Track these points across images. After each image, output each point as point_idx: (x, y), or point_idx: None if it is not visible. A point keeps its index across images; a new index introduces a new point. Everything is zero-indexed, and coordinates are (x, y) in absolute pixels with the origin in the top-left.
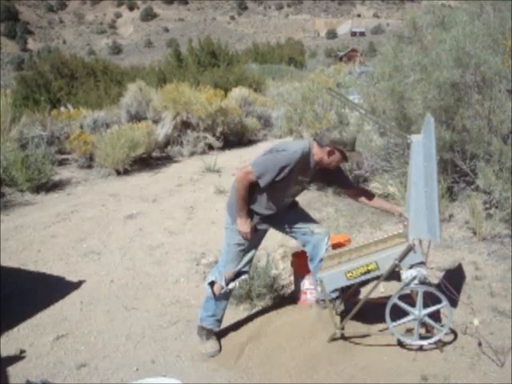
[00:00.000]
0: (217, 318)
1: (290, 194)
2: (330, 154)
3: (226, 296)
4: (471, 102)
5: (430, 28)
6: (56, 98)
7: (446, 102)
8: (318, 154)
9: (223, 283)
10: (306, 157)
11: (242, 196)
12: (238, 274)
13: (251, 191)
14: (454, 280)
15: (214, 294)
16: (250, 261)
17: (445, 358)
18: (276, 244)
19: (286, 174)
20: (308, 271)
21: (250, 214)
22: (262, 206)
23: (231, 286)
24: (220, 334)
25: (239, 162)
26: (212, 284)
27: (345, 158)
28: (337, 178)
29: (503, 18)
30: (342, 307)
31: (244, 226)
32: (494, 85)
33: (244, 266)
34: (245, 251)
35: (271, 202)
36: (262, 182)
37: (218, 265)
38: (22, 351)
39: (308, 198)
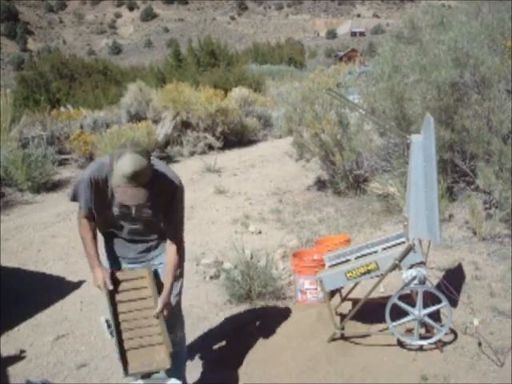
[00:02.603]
0: None
1: None
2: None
3: None
4: (470, 102)
5: (428, 28)
6: (56, 98)
7: (445, 102)
8: None
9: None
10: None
11: None
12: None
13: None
14: (453, 280)
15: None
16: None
17: (445, 358)
18: (276, 244)
19: None
20: (308, 271)
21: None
22: None
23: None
24: (220, 334)
25: (239, 162)
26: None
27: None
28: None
29: (502, 18)
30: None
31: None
32: (494, 85)
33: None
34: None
35: None
36: None
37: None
38: (22, 351)
39: (308, 198)
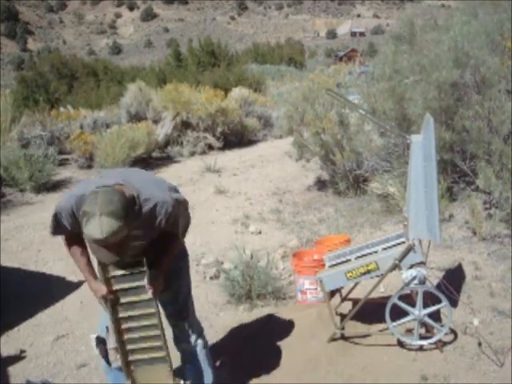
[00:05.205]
0: None
1: None
2: None
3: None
4: (471, 103)
5: (428, 28)
6: (56, 98)
7: (445, 102)
8: None
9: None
10: None
11: None
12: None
13: None
14: (453, 280)
15: (105, 357)
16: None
17: (445, 358)
18: (276, 244)
19: None
20: (308, 271)
21: None
22: None
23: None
24: (220, 334)
25: (239, 162)
26: (102, 343)
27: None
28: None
29: (501, 18)
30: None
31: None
32: (494, 85)
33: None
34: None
35: None
36: None
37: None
38: (22, 351)
39: (308, 198)
